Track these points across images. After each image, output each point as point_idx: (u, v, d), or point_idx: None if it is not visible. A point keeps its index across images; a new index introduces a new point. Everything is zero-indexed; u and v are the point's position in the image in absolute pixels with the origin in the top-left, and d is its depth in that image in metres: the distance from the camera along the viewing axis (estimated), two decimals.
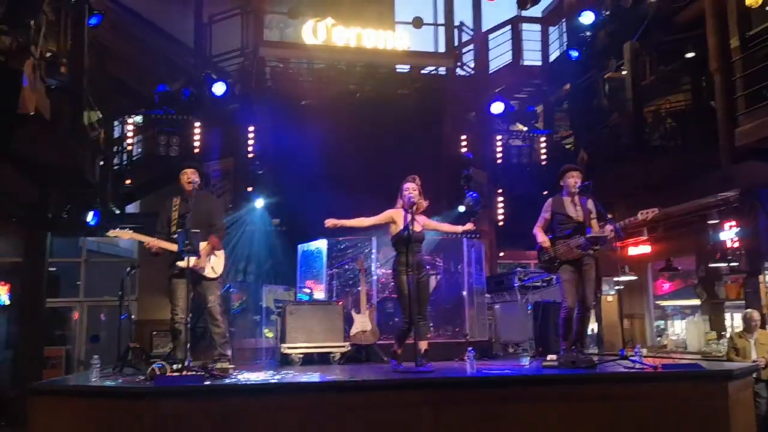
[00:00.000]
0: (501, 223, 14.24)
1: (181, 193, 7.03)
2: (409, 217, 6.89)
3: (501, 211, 14.26)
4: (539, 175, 14.27)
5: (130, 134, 13.50)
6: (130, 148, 13.63)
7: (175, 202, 6.99)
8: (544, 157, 14.46)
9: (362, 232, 9.92)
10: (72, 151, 10.36)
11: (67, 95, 10.23)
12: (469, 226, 7.40)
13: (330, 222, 7.15)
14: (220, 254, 7.12)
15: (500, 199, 14.24)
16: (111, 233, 6.95)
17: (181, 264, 6.66)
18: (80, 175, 10.89)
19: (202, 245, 6.88)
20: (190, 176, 6.98)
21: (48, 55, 9.61)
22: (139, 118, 13.62)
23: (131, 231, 6.93)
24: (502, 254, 14.70)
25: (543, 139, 14.64)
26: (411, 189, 7.02)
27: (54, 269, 14.21)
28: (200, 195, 7.15)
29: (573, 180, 7.20)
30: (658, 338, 13.51)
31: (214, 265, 7.03)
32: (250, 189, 12.83)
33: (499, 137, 14.40)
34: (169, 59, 14.30)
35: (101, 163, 12.39)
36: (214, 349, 7.03)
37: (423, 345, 6.88)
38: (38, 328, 11.97)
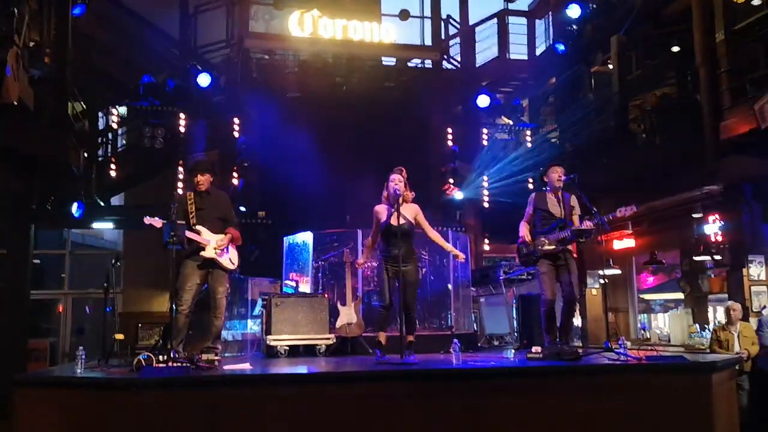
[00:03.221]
0: (486, 207, 14.25)
1: (192, 188, 7.20)
2: (393, 210, 6.93)
3: (485, 196, 14.26)
4: (524, 169, 14.34)
5: (114, 125, 13.42)
6: (114, 139, 13.54)
7: (190, 195, 7.13)
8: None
9: (347, 226, 9.94)
10: (56, 142, 10.27)
11: (51, 85, 10.13)
12: (461, 256, 7.55)
13: (359, 263, 8.02)
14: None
15: (486, 193, 14.24)
16: (146, 220, 6.97)
17: (205, 254, 6.85)
18: (64, 167, 10.81)
19: (221, 237, 7.02)
20: (202, 180, 7.14)
21: (31, 44, 9.51)
22: (123, 110, 13.53)
23: (162, 220, 6.92)
24: (487, 248, 14.72)
25: (528, 132, 14.66)
26: (397, 181, 7.06)
27: (38, 261, 14.10)
28: (213, 190, 7.33)
29: (556, 175, 7.26)
30: (642, 331, 13.59)
31: (232, 256, 7.16)
32: (235, 181, 12.79)
33: (485, 131, 14.41)
34: (153, 50, 14.19)
35: (85, 154, 12.29)
36: (206, 340, 7.03)
37: (408, 337, 6.94)
38: (22, 321, 11.87)
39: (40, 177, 11.54)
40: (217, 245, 6.97)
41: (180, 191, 11.93)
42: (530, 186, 13.35)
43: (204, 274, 6.99)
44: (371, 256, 8.28)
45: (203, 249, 6.90)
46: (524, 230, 7.30)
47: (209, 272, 7.02)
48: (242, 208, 12.47)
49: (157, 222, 6.88)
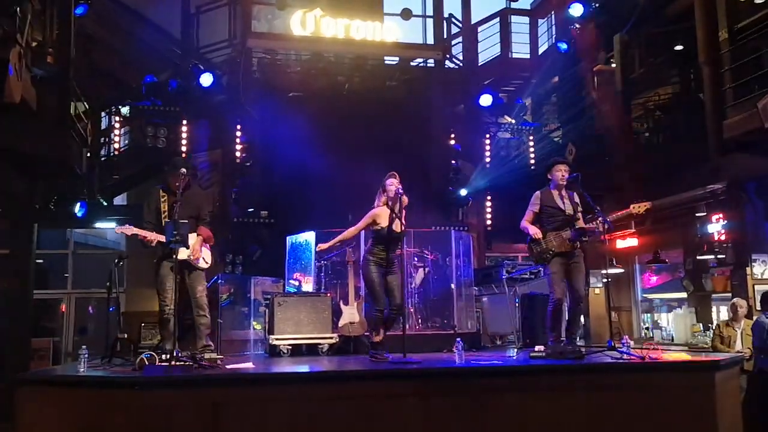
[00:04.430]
0: (489, 224, 14.25)
1: (167, 185, 7.13)
2: (393, 215, 6.99)
3: (489, 211, 14.27)
4: (527, 168, 14.35)
5: (117, 125, 13.43)
6: (117, 139, 13.55)
7: (162, 193, 7.05)
8: (531, 150, 14.47)
9: (350, 225, 9.92)
10: (59, 142, 10.27)
11: (54, 85, 10.12)
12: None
13: (320, 247, 7.79)
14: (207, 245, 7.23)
15: (488, 202, 14.27)
16: (117, 230, 7.03)
17: (179, 256, 6.76)
18: (67, 166, 10.81)
19: (193, 236, 6.97)
20: (178, 182, 7.03)
21: (34, 44, 9.51)
22: (126, 110, 13.53)
23: (134, 227, 6.93)
24: (489, 245, 14.70)
25: (531, 138, 14.63)
26: (396, 183, 7.14)
27: (41, 261, 14.13)
28: (188, 188, 7.20)
29: (560, 173, 7.25)
30: (645, 330, 13.58)
31: (205, 255, 7.17)
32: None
33: (488, 136, 14.38)
34: (156, 50, 14.20)
35: (88, 154, 12.30)
36: (199, 339, 7.07)
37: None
38: (25, 320, 11.90)
39: (42, 177, 11.57)
40: (190, 247, 6.96)
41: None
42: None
43: (181, 275, 6.98)
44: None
45: (173, 250, 6.79)
46: (534, 228, 7.20)
47: (185, 272, 7.03)
48: (251, 210, 12.52)
49: (128, 230, 6.89)
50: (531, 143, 14.42)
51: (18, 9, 8.29)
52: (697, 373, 5.97)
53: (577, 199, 7.25)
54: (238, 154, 12.89)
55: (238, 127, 12.98)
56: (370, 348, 7.22)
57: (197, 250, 7.03)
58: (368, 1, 15.31)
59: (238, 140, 12.94)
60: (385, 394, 5.51)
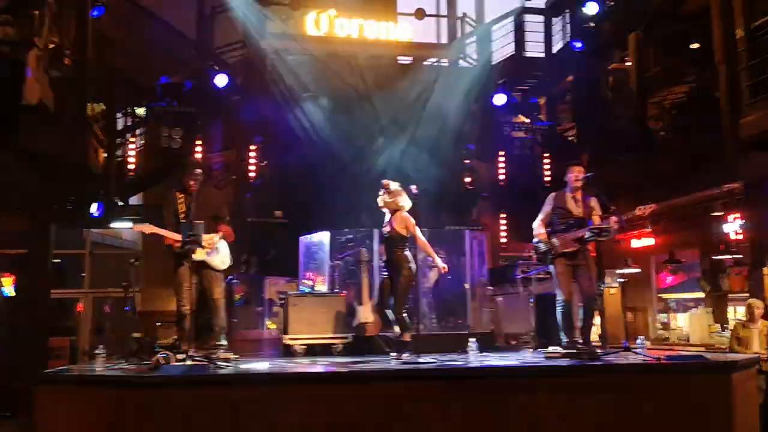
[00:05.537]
0: (504, 243, 14.29)
1: (183, 187, 7.15)
2: None
3: (503, 229, 14.28)
4: (541, 168, 14.33)
5: (132, 126, 13.51)
6: (133, 140, 13.63)
7: (179, 195, 7.08)
8: (547, 167, 14.45)
9: (363, 225, 9.94)
10: (76, 143, 10.37)
11: (71, 86, 10.20)
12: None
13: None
14: (225, 245, 7.23)
15: (503, 220, 14.29)
16: (136, 228, 7.17)
17: (196, 257, 6.77)
18: (84, 167, 10.90)
19: (211, 236, 6.96)
20: (195, 178, 7.11)
21: (51, 46, 9.58)
22: (141, 110, 13.61)
23: (153, 226, 6.97)
24: (504, 245, 14.69)
25: (546, 155, 14.58)
26: None
27: (59, 261, 14.22)
28: (204, 189, 7.33)
29: (573, 175, 7.31)
30: (661, 331, 13.51)
31: (223, 257, 7.15)
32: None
33: (502, 154, 14.36)
34: (171, 51, 14.27)
35: (105, 154, 12.40)
36: (214, 340, 7.09)
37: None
38: (43, 319, 11.99)
39: (60, 177, 11.64)
40: (206, 245, 6.95)
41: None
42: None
43: (198, 275, 7.00)
44: None
45: (192, 251, 6.82)
46: (540, 229, 7.33)
47: (202, 273, 7.03)
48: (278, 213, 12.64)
49: (147, 228, 6.93)
50: (547, 160, 14.36)
51: (35, 12, 8.36)
52: (714, 373, 5.93)
53: (592, 203, 7.26)
54: (252, 154, 12.92)
55: (253, 127, 13.02)
56: (403, 348, 7.24)
57: (212, 243, 7.02)
58: (382, 1, 15.31)
59: (252, 141, 12.98)
60: (400, 394, 5.51)
